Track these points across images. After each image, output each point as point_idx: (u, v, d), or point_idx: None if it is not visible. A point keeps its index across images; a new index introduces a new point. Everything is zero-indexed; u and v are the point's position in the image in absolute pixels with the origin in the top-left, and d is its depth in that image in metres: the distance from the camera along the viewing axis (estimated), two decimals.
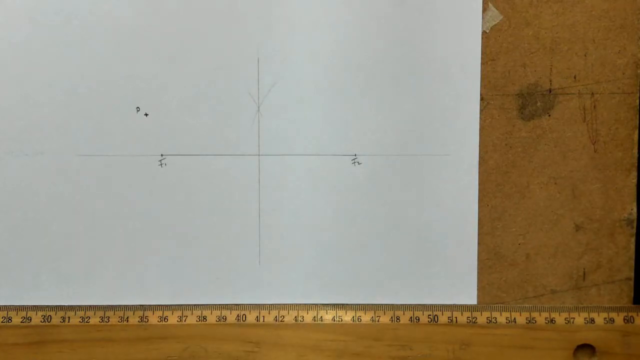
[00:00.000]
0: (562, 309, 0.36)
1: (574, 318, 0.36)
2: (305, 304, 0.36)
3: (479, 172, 0.36)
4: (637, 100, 0.35)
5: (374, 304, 0.36)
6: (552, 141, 0.36)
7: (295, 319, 0.36)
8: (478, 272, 0.36)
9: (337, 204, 0.36)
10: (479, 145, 0.35)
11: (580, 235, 0.36)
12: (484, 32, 0.35)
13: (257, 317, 0.36)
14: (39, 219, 0.36)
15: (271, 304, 0.36)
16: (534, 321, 0.36)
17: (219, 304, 0.36)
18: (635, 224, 0.36)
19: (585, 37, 0.35)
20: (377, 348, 0.36)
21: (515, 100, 0.35)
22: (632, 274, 0.36)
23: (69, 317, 0.36)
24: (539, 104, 0.35)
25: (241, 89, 0.35)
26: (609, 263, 0.36)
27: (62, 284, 0.36)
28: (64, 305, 0.36)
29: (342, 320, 0.36)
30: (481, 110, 0.35)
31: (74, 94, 0.35)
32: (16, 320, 0.36)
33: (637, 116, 0.35)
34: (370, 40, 0.35)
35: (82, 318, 0.36)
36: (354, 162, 0.36)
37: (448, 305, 0.36)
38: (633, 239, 0.36)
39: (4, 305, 0.36)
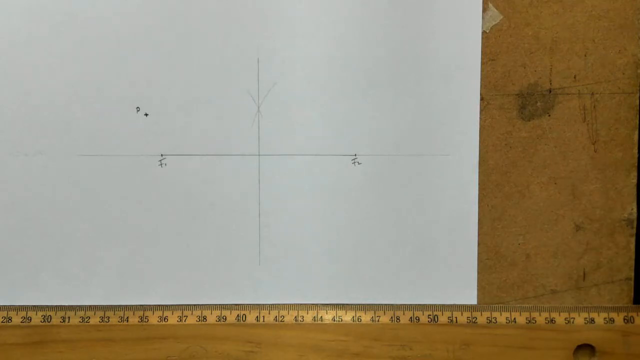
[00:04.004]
0: (562, 309, 0.36)
1: (574, 318, 0.36)
2: (305, 304, 0.36)
3: (479, 172, 0.36)
4: (637, 100, 0.35)
5: (374, 304, 0.36)
6: (552, 141, 0.36)
7: (295, 319, 0.36)
8: (478, 272, 0.36)
9: (337, 204, 0.36)
10: (479, 145, 0.35)
11: (580, 235, 0.36)
12: (484, 32, 0.35)
13: (257, 317, 0.36)
14: (39, 219, 0.36)
15: (271, 304, 0.36)
16: (534, 321, 0.36)
17: (219, 304, 0.36)
18: (635, 224, 0.36)
19: (585, 37, 0.35)
20: (377, 348, 0.36)
21: (515, 100, 0.35)
22: (632, 274, 0.36)
23: (69, 317, 0.36)
24: (539, 104, 0.35)
25: (241, 89, 0.35)
26: (609, 263, 0.36)
27: (62, 284, 0.36)
28: (64, 305, 0.36)
29: (342, 320, 0.36)
30: (481, 110, 0.35)
31: (74, 94, 0.35)
32: (16, 320, 0.36)
33: (637, 116, 0.35)
34: (370, 40, 0.35)
35: (82, 318, 0.36)
36: (354, 162, 0.36)
37: (448, 305, 0.36)
38: (633, 239, 0.36)
39: (4, 305, 0.36)
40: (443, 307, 0.36)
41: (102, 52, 0.35)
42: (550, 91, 0.35)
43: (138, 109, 0.35)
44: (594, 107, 0.35)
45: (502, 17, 0.35)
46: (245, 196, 0.36)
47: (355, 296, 0.36)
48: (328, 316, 0.36)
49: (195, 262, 0.36)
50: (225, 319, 0.36)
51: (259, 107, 0.35)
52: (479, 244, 0.36)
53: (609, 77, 0.35)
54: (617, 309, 0.36)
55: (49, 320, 0.36)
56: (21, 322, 0.36)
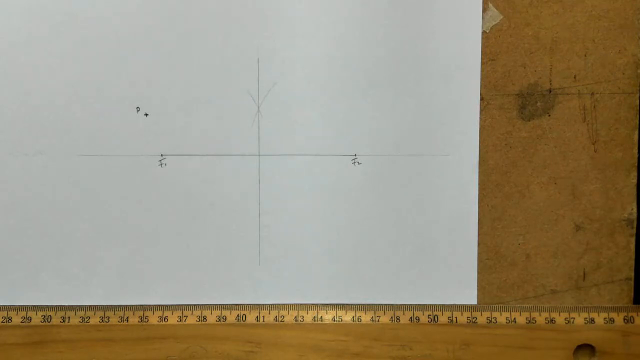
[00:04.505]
0: (562, 309, 0.36)
1: (574, 318, 0.36)
2: (305, 304, 0.36)
3: (479, 172, 0.36)
4: (637, 100, 0.35)
5: (374, 304, 0.36)
6: (552, 141, 0.36)
7: (295, 319, 0.36)
8: (478, 272, 0.36)
9: (337, 204, 0.36)
10: (479, 145, 0.35)
11: (580, 235, 0.36)
12: (484, 32, 0.35)
13: (257, 317, 0.36)
14: (39, 219, 0.36)
15: (271, 304, 0.36)
16: (534, 321, 0.36)
17: (219, 304, 0.36)
18: (635, 224, 0.36)
19: (585, 37, 0.35)
20: (377, 348, 0.36)
21: (515, 100, 0.35)
22: (632, 274, 0.36)
23: (69, 317, 0.36)
24: (539, 104, 0.35)
25: (241, 89, 0.35)
26: (609, 263, 0.36)
27: (62, 284, 0.36)
28: (64, 305, 0.36)
29: (342, 320, 0.36)
30: (481, 110, 0.35)
31: (74, 94, 0.35)
32: (16, 320, 0.36)
33: (637, 116, 0.35)
34: (370, 40, 0.35)
35: (82, 318, 0.36)
36: (354, 162, 0.36)
37: (448, 305, 0.36)
38: (633, 239, 0.36)
39: (4, 305, 0.36)
40: (443, 307, 0.36)
41: (102, 52, 0.35)
42: (550, 91, 0.35)
43: (138, 109, 0.35)
44: (594, 107, 0.35)
45: (502, 17, 0.35)
46: (245, 196, 0.36)
47: (355, 296, 0.36)
48: (328, 316, 0.36)
49: (195, 262, 0.36)
50: (225, 319, 0.36)
51: (259, 107, 0.35)
52: (479, 244, 0.36)
53: (609, 77, 0.35)
54: (617, 309, 0.36)
55: (49, 320, 0.36)
56: (21, 322, 0.36)
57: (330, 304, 0.36)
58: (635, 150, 0.36)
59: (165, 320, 0.36)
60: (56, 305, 0.36)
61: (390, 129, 0.35)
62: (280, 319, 0.36)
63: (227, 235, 0.36)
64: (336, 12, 0.35)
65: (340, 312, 0.36)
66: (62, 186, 0.36)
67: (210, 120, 0.35)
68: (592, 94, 0.35)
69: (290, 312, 0.36)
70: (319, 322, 0.36)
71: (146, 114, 0.35)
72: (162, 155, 0.36)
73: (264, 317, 0.36)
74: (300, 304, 0.36)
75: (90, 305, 0.36)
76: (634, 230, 0.36)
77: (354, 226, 0.36)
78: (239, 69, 0.35)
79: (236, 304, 0.36)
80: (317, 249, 0.36)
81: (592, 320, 0.36)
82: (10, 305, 0.36)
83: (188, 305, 0.36)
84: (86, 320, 0.36)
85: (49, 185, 0.36)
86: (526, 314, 0.36)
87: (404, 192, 0.36)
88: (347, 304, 0.36)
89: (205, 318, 0.36)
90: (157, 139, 0.35)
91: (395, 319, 0.36)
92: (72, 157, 0.35)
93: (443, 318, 0.36)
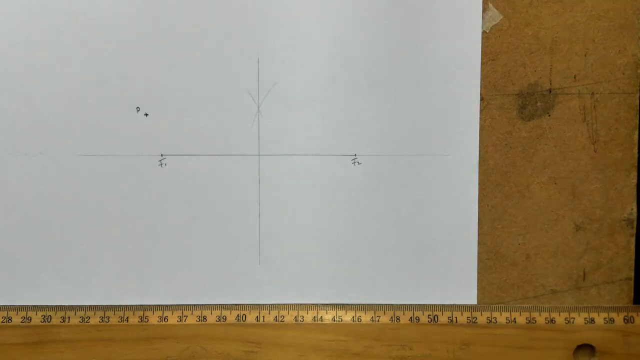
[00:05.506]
0: (562, 309, 0.36)
1: (574, 318, 0.36)
2: (305, 304, 0.36)
3: (479, 172, 0.36)
4: (637, 100, 0.35)
5: (374, 304, 0.36)
6: (552, 141, 0.36)
7: (295, 319, 0.36)
8: (478, 272, 0.36)
9: (337, 204, 0.36)
10: (479, 145, 0.35)
11: (580, 235, 0.36)
12: (484, 32, 0.35)
13: (257, 317, 0.36)
14: (39, 219, 0.36)
15: (271, 304, 0.36)
16: (534, 321, 0.36)
17: (219, 304, 0.36)
18: (635, 224, 0.36)
19: (585, 37, 0.35)
20: (377, 348, 0.36)
21: (515, 100, 0.35)
22: (632, 274, 0.36)
23: (69, 317, 0.36)
24: (539, 104, 0.35)
25: (241, 89, 0.35)
26: (609, 263, 0.36)
27: (62, 284, 0.36)
28: (64, 305, 0.36)
29: (342, 320, 0.36)
30: (481, 110, 0.35)
31: (74, 94, 0.35)
32: (16, 320, 0.36)
33: (637, 116, 0.35)
34: (370, 40, 0.35)
35: (82, 318, 0.36)
36: (354, 162, 0.36)
37: (448, 305, 0.36)
38: (633, 239, 0.36)
39: (4, 305, 0.36)
40: (443, 307, 0.36)
41: (102, 52, 0.35)
42: (550, 91, 0.35)
43: (138, 109, 0.35)
44: (594, 107, 0.35)
45: (502, 17, 0.35)
46: (245, 196, 0.36)
47: (355, 296, 0.36)
48: (328, 316, 0.36)
49: (195, 262, 0.36)
50: (225, 319, 0.36)
51: (259, 107, 0.35)
52: (479, 244, 0.36)
53: (609, 77, 0.35)
54: (617, 309, 0.36)
55: (49, 320, 0.36)
56: (21, 322, 0.36)
57: (330, 304, 0.36)
58: (635, 150, 0.36)
59: (165, 320, 0.36)
60: (56, 305, 0.36)
61: (390, 129, 0.35)
62: (280, 319, 0.36)
63: (227, 235, 0.36)
64: (336, 12, 0.35)
65: (340, 312, 0.36)
66: (62, 186, 0.36)
67: (210, 120, 0.35)
68: (592, 94, 0.35)
69: (290, 312, 0.36)
70: (319, 322, 0.36)
71: (146, 114, 0.35)
72: (162, 155, 0.36)
73: (264, 317, 0.36)
74: (300, 304, 0.36)
75: (90, 305, 0.36)
76: (634, 230, 0.36)
77: (354, 226, 0.36)
78: (239, 69, 0.35)
79: (236, 304, 0.36)
80: (317, 249, 0.36)
81: (592, 320, 0.36)
82: (10, 305, 0.36)
83: (188, 305, 0.36)
84: (86, 320, 0.36)
85: (49, 185, 0.36)
86: (526, 314, 0.36)
87: (404, 192, 0.36)
88: (347, 304, 0.36)
89: (205, 318, 0.36)
90: (157, 139, 0.35)
91: (395, 319, 0.36)
92: (72, 157, 0.35)
93: (443, 318, 0.36)
